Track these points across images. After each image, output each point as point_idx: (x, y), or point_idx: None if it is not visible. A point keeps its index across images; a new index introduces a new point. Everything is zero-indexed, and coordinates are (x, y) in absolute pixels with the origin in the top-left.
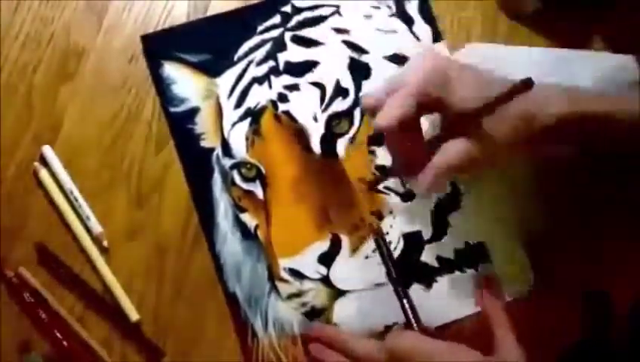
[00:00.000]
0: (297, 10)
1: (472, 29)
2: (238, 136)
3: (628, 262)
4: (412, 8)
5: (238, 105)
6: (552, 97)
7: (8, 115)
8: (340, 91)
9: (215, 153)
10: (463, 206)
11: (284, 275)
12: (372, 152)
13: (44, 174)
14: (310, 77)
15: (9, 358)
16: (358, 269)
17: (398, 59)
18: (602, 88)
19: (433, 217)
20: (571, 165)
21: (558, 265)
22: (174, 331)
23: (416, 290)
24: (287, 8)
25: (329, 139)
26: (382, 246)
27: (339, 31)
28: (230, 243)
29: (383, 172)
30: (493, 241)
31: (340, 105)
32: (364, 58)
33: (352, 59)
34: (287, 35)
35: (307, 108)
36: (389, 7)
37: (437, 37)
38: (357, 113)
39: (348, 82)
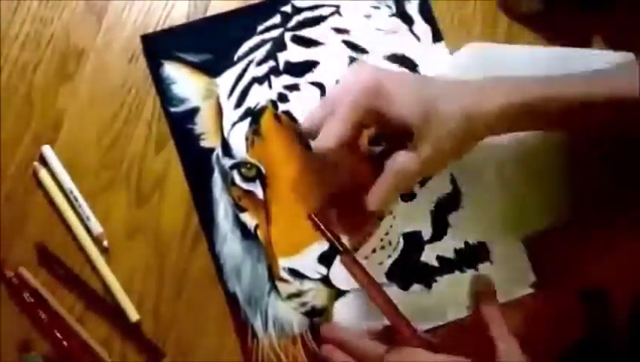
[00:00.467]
0: (297, 10)
1: (472, 29)
2: (238, 136)
3: (628, 262)
4: (412, 8)
5: (238, 105)
6: (488, 91)
7: (8, 115)
8: None
9: (215, 153)
10: (463, 206)
11: (284, 275)
12: (372, 153)
13: (44, 174)
14: (310, 77)
15: (9, 358)
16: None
17: (398, 59)
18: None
19: (433, 217)
20: (572, 160)
21: (558, 265)
22: (174, 331)
23: (416, 290)
24: (287, 8)
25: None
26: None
27: (339, 31)
28: (230, 243)
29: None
30: (493, 241)
31: None
32: (364, 58)
33: (352, 59)
34: (287, 35)
35: (307, 109)
36: (389, 7)
37: (437, 37)
38: None
39: None
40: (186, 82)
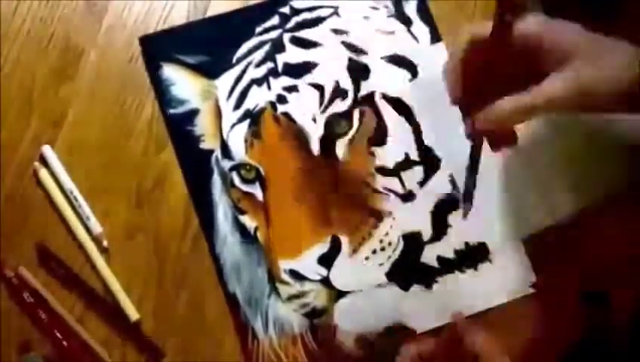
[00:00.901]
0: (296, 12)
1: None
2: (237, 138)
3: (628, 262)
4: (410, 9)
5: (237, 106)
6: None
7: (8, 114)
8: (339, 92)
9: (214, 155)
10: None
11: (285, 277)
12: (372, 153)
13: (44, 174)
14: (309, 78)
15: (9, 358)
16: (358, 270)
17: (397, 59)
18: None
19: (433, 218)
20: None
21: (558, 265)
22: (174, 331)
23: (416, 291)
24: (286, 9)
25: (328, 140)
26: None
27: (337, 32)
28: (230, 245)
29: (383, 173)
30: (493, 241)
31: (339, 106)
32: (362, 59)
33: (350, 60)
34: (286, 37)
35: (306, 110)
36: (388, 7)
37: (435, 37)
38: (356, 114)
39: (347, 83)
40: (184, 84)
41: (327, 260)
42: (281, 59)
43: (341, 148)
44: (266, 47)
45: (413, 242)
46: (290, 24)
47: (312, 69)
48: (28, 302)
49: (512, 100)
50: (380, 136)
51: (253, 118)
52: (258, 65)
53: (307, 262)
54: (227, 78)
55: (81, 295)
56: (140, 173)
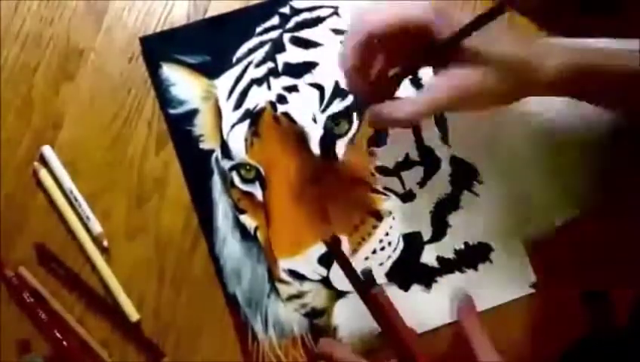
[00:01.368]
0: (296, 12)
1: None
2: (237, 138)
3: (628, 262)
4: None
5: (237, 106)
6: (553, 50)
7: (8, 114)
8: (339, 92)
9: (214, 155)
10: (462, 206)
11: (284, 276)
12: (371, 153)
13: (44, 174)
14: (309, 78)
15: (9, 358)
16: (358, 270)
17: None
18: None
19: (433, 218)
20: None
21: (558, 265)
22: (174, 331)
23: (416, 291)
24: (286, 9)
25: (328, 140)
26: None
27: (337, 32)
28: (230, 245)
29: (383, 173)
30: (494, 241)
31: (339, 106)
32: None
33: None
34: (286, 37)
35: (306, 110)
36: None
37: None
38: (356, 114)
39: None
40: (184, 84)
41: (327, 260)
42: (281, 59)
43: (341, 148)
44: (266, 47)
45: (413, 242)
46: (291, 24)
47: (312, 69)
48: (28, 302)
49: (408, 101)
50: (379, 136)
51: (253, 117)
52: (258, 65)
53: (307, 262)
54: (227, 78)
55: (81, 295)
56: (140, 173)
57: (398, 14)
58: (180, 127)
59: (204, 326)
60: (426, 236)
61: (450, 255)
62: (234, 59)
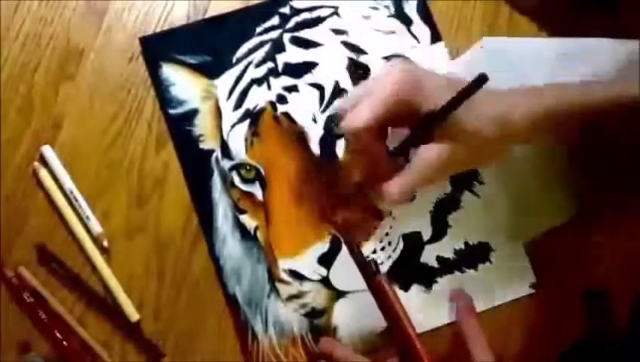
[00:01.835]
0: (296, 12)
1: (472, 29)
2: (237, 138)
3: (628, 262)
4: (410, 9)
5: (237, 106)
6: (520, 98)
7: (8, 114)
8: (339, 92)
9: (214, 155)
10: (462, 206)
11: (284, 276)
12: None
13: (44, 174)
14: (309, 78)
15: (9, 358)
16: (357, 270)
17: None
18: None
19: (433, 218)
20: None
21: (558, 265)
22: (174, 331)
23: (416, 291)
24: (286, 9)
25: (328, 140)
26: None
27: (337, 32)
28: (230, 245)
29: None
30: (494, 241)
31: None
32: (362, 59)
33: (350, 60)
34: (286, 37)
35: (306, 110)
36: (388, 7)
37: (435, 37)
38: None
39: (347, 83)
40: (184, 84)
41: (327, 260)
42: (281, 59)
43: (341, 148)
44: (266, 47)
45: (413, 242)
46: (291, 24)
47: (312, 69)
48: (28, 302)
49: (396, 184)
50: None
51: (253, 117)
52: (258, 65)
53: (307, 262)
54: (227, 78)
55: (81, 295)
56: (140, 173)
57: (376, 109)
58: (180, 127)
59: (204, 326)
60: (426, 236)
61: (450, 255)
62: (234, 59)
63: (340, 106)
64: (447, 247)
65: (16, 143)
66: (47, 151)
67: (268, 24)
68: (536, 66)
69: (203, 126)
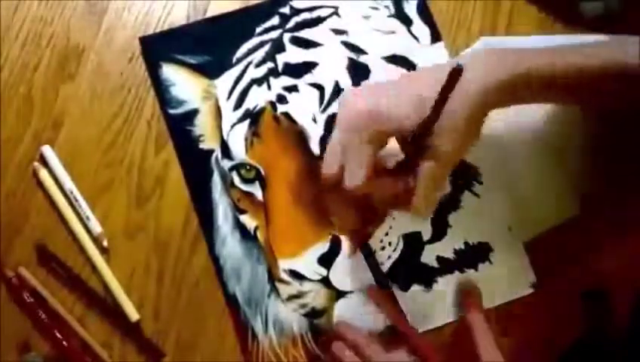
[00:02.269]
0: (296, 12)
1: (471, 30)
2: (237, 138)
3: (628, 262)
4: (410, 9)
5: (237, 106)
6: (491, 65)
7: (8, 114)
8: (339, 92)
9: (214, 155)
10: (462, 206)
11: (284, 276)
12: None
13: (44, 174)
14: (309, 78)
15: (9, 358)
16: (357, 270)
17: (397, 59)
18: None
19: (433, 218)
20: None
21: (558, 265)
22: (174, 331)
23: (416, 291)
24: (286, 9)
25: (328, 140)
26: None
27: (337, 32)
28: (230, 245)
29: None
30: (494, 241)
31: None
32: (362, 59)
33: (350, 60)
34: (286, 37)
35: (306, 110)
36: (388, 7)
37: (435, 37)
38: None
39: (347, 83)
40: (184, 84)
41: (327, 260)
42: (281, 59)
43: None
44: (266, 47)
45: (413, 242)
46: (290, 24)
47: (312, 69)
48: (28, 302)
49: (420, 195)
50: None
51: (253, 117)
52: (258, 65)
53: (307, 262)
54: (227, 78)
55: (81, 295)
56: (140, 173)
57: (363, 160)
58: (180, 127)
59: (204, 326)
60: (426, 236)
61: (450, 255)
62: (234, 59)
63: (329, 177)
64: (447, 247)
65: (16, 143)
66: (47, 151)
67: (268, 24)
68: None
69: (203, 126)
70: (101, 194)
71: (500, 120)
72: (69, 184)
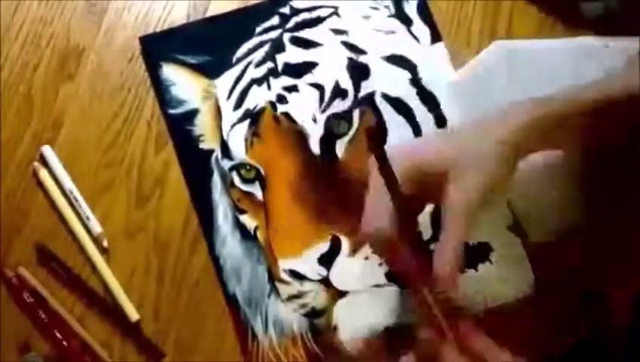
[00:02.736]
0: (296, 12)
1: (471, 30)
2: (237, 138)
3: (628, 262)
4: (411, 9)
5: (237, 106)
6: (511, 113)
7: (8, 114)
8: (339, 92)
9: (214, 155)
10: None
11: (284, 276)
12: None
13: (44, 174)
14: (309, 78)
15: (9, 358)
16: (358, 270)
17: (397, 59)
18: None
19: (432, 218)
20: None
21: (558, 265)
22: (174, 331)
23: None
24: (286, 9)
25: (328, 140)
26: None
27: (337, 32)
28: (230, 245)
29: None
30: (494, 241)
31: (339, 106)
32: (362, 59)
33: (350, 60)
34: (286, 37)
35: (306, 110)
36: (388, 7)
37: (436, 37)
38: (356, 114)
39: (347, 83)
40: (184, 84)
41: (327, 260)
42: (281, 59)
43: (341, 148)
44: (266, 47)
45: None
46: (290, 24)
47: (312, 69)
48: (28, 302)
49: (442, 264)
50: (381, 136)
51: (253, 117)
52: (258, 65)
53: (307, 262)
54: (227, 78)
55: (81, 295)
56: (140, 173)
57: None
58: (179, 127)
59: (204, 326)
60: (426, 236)
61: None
62: (234, 59)
63: (376, 240)
64: None
65: (16, 143)
66: (47, 151)
67: (268, 24)
68: (550, 65)
69: (203, 126)
70: (101, 194)
71: None
72: (69, 184)
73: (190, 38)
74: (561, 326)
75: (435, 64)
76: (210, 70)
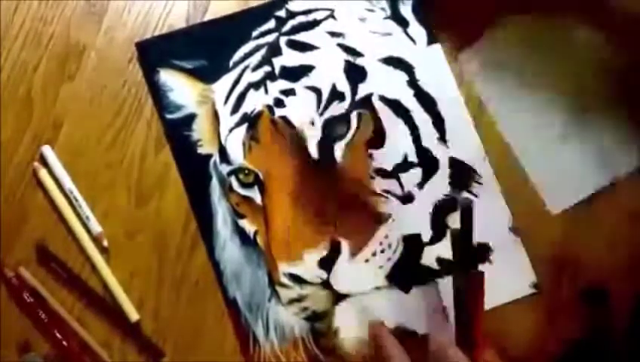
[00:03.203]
0: (292, 15)
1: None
2: (235, 142)
3: (628, 262)
4: (406, 10)
5: (235, 110)
6: None
7: (8, 114)
8: (336, 95)
9: (212, 160)
10: None
11: (285, 280)
12: (370, 155)
13: (44, 174)
14: (306, 81)
15: (9, 358)
16: (358, 273)
17: (393, 61)
18: None
19: (432, 219)
20: None
21: (558, 264)
22: (174, 331)
23: (416, 293)
24: (282, 13)
25: (326, 143)
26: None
27: (334, 34)
28: (230, 250)
29: (381, 175)
30: (494, 241)
31: (337, 108)
32: (359, 61)
33: (347, 63)
34: (282, 40)
35: (304, 113)
36: (384, 9)
37: (432, 39)
38: (354, 116)
39: (344, 86)
40: (181, 89)
41: (327, 263)
42: (278, 62)
43: (339, 151)
44: (263, 51)
45: (412, 244)
46: (287, 27)
47: (309, 72)
48: (28, 302)
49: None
50: (378, 139)
51: (251, 121)
52: (255, 68)
53: (307, 266)
54: (224, 83)
55: (81, 295)
56: (140, 173)
57: None
58: (177, 132)
59: (204, 325)
60: (426, 238)
61: (450, 256)
62: (231, 64)
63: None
64: (446, 248)
65: (16, 143)
66: (47, 151)
67: (264, 27)
68: None
69: (201, 131)
70: (101, 194)
71: None
72: (69, 184)
73: (186, 43)
74: (561, 326)
75: (432, 65)
76: (207, 75)
